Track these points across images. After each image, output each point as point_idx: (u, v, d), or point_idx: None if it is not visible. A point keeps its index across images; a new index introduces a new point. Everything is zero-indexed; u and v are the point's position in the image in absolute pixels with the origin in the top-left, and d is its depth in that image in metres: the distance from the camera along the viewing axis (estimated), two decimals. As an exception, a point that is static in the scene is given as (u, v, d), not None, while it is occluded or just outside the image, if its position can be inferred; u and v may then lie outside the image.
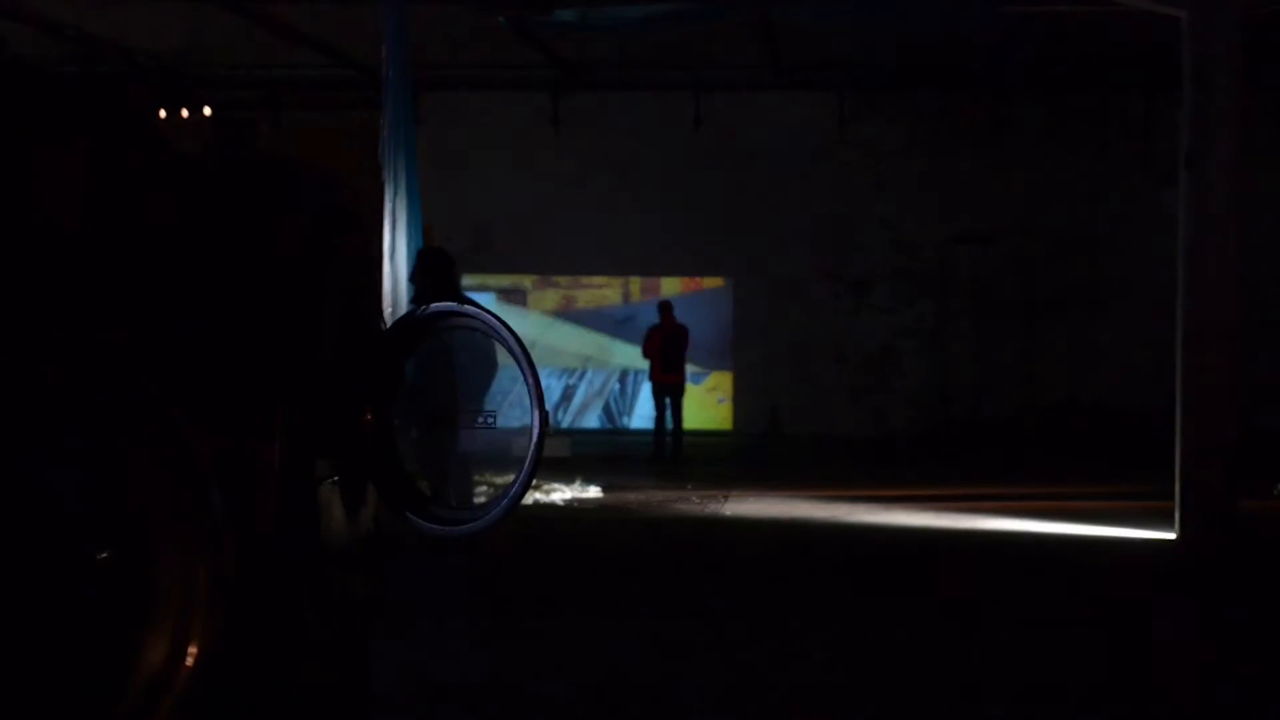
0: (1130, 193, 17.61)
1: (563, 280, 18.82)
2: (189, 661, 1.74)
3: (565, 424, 18.28)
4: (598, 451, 15.88)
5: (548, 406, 2.76)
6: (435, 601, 7.94)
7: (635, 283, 18.64)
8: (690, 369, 16.34)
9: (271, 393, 2.23)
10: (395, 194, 11.51)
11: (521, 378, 2.69)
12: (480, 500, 11.52)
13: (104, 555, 1.76)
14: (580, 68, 17.29)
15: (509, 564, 8.96)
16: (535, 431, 2.61)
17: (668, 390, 15.43)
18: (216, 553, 1.78)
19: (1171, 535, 10.01)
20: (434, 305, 2.62)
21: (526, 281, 18.84)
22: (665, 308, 15.61)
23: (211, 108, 17.95)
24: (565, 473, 13.46)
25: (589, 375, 18.68)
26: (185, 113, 17.65)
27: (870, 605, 8.10)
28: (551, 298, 18.91)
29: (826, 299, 18.27)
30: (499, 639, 7.11)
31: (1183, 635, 7.53)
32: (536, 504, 11.89)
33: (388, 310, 10.89)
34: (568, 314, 18.79)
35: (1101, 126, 17.80)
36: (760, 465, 15.24)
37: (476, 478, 12.95)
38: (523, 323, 17.89)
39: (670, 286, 18.11)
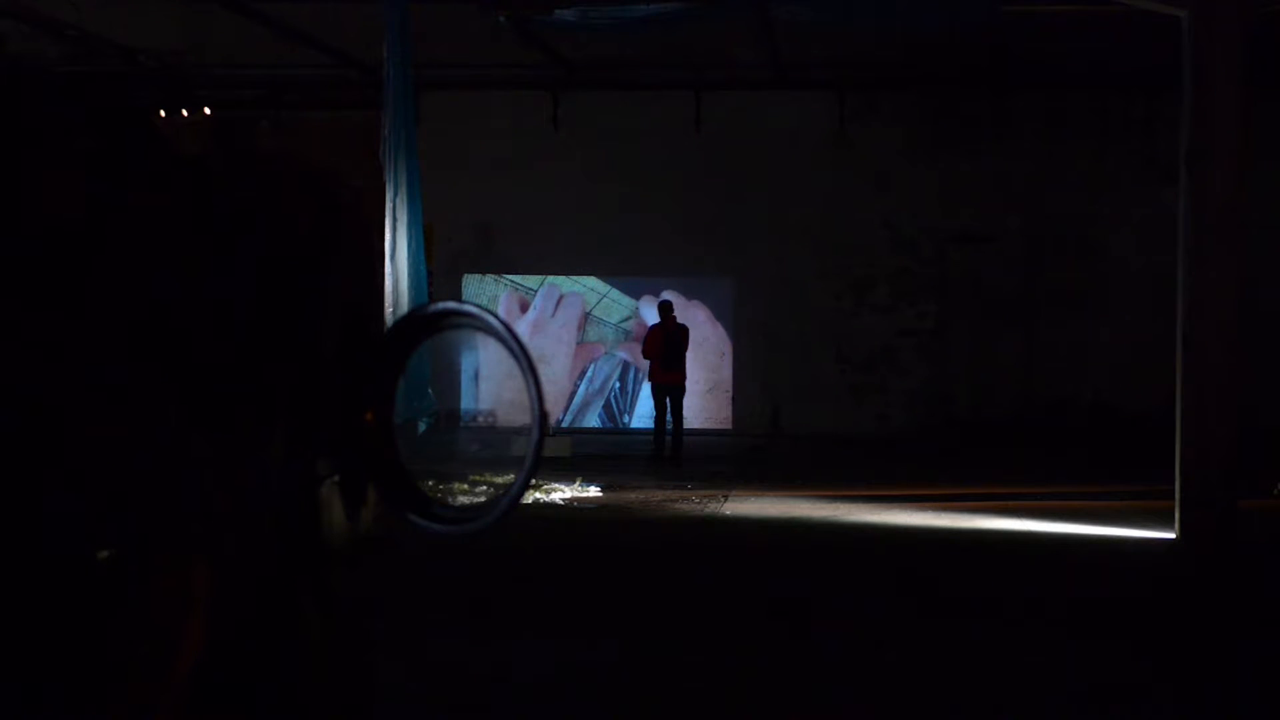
0: (1130, 193, 17.62)
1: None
2: (189, 661, 1.74)
3: (565, 423, 18.29)
4: (598, 451, 15.89)
5: (547, 406, 2.75)
6: (436, 601, 7.94)
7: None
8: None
9: (271, 392, 2.23)
10: (396, 193, 11.51)
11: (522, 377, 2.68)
12: (481, 500, 11.59)
13: (104, 555, 1.76)
14: (580, 68, 17.29)
15: (510, 563, 8.96)
16: (535, 431, 2.61)
17: (668, 390, 15.43)
18: (216, 552, 1.78)
19: (1171, 535, 10.01)
20: (434, 305, 2.62)
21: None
22: (665, 307, 15.61)
23: (211, 108, 17.98)
24: (565, 472, 13.46)
25: (590, 373, 18.69)
26: (185, 113, 17.67)
27: (869, 604, 8.10)
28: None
29: (826, 299, 18.27)
30: (499, 639, 7.11)
31: (1182, 635, 7.53)
32: (537, 503, 11.89)
33: (388, 310, 10.90)
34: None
35: (1101, 126, 17.80)
36: (760, 465, 15.23)
37: (476, 477, 13.00)
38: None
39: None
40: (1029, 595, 8.49)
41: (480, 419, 18.37)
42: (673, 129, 18.13)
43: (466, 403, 18.48)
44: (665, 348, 15.34)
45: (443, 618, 7.56)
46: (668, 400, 15.40)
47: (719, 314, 18.43)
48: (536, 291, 18.72)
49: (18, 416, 1.72)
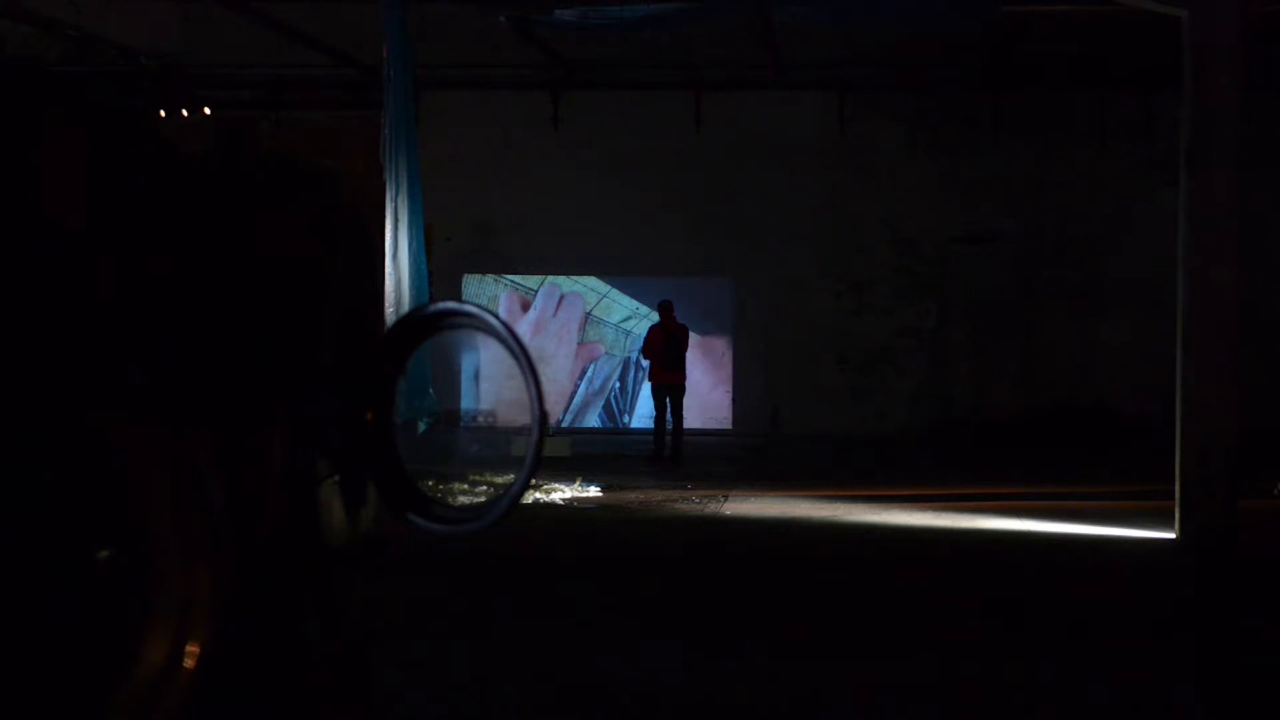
0: (1130, 193, 17.61)
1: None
2: (189, 662, 1.74)
3: (565, 423, 18.29)
4: (598, 451, 15.89)
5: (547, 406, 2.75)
6: (435, 601, 7.94)
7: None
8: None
9: (271, 392, 2.23)
10: (397, 193, 11.53)
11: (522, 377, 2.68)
12: (481, 500, 11.58)
13: (104, 555, 1.76)
14: (580, 68, 17.29)
15: (509, 564, 8.96)
16: (535, 431, 2.61)
17: (668, 390, 15.43)
18: (216, 553, 1.78)
19: (1171, 535, 10.01)
20: (435, 305, 2.62)
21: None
22: (666, 307, 15.60)
23: (211, 108, 17.99)
24: (565, 472, 13.46)
25: (590, 373, 18.69)
26: (185, 113, 17.68)
27: (869, 605, 8.10)
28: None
29: (827, 299, 18.27)
30: (499, 639, 7.11)
31: (1183, 635, 7.53)
32: (537, 503, 11.89)
33: (389, 310, 10.90)
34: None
35: (1101, 126, 17.80)
36: (760, 465, 15.23)
37: (476, 477, 13.01)
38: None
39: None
40: (1029, 595, 8.49)
41: (480, 419, 18.37)
42: (673, 129, 18.13)
43: (466, 403, 18.48)
44: (665, 347, 15.34)
45: (442, 618, 7.56)
46: (667, 400, 15.40)
47: (720, 314, 18.41)
48: (536, 291, 18.72)
49: (17, 416, 1.72)
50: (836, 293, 18.29)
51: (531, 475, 2.61)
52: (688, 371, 15.81)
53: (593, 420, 18.60)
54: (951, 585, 8.78)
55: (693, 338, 16.38)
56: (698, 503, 12.17)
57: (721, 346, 18.48)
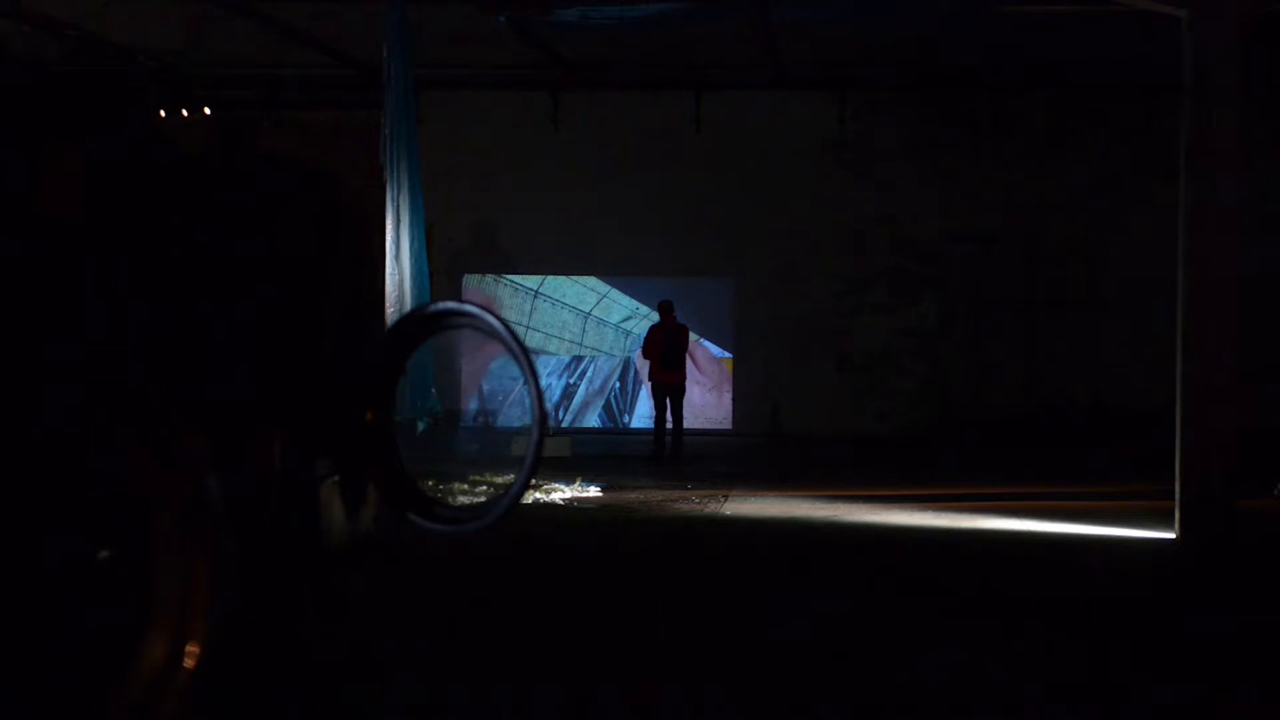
0: (1130, 193, 17.62)
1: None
2: (189, 661, 1.74)
3: (565, 423, 18.29)
4: (598, 451, 15.89)
5: (548, 405, 2.76)
6: (435, 601, 7.94)
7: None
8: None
9: (271, 392, 2.23)
10: (398, 193, 11.53)
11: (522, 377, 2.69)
12: (481, 500, 11.55)
13: (104, 555, 1.76)
14: (580, 68, 17.30)
15: (508, 564, 8.96)
16: (535, 431, 2.61)
17: (668, 390, 15.44)
18: (216, 552, 1.78)
19: (1171, 535, 10.01)
20: (434, 305, 2.62)
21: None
22: (666, 307, 15.61)
23: (211, 108, 17.99)
24: (565, 472, 13.46)
25: (590, 373, 18.69)
26: (185, 113, 17.68)
27: (870, 605, 8.10)
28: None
29: (827, 299, 18.28)
30: (498, 639, 7.11)
31: (1182, 635, 7.53)
32: (536, 503, 11.89)
33: (390, 309, 10.91)
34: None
35: (1101, 126, 17.80)
36: (760, 465, 15.23)
37: (476, 477, 13.01)
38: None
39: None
40: (1029, 595, 8.49)
41: (480, 419, 18.37)
42: (673, 129, 18.14)
43: (466, 403, 18.48)
44: (665, 348, 15.35)
45: (442, 618, 7.56)
46: (667, 400, 15.41)
47: (719, 314, 18.42)
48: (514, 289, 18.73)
49: (18, 416, 1.72)
50: (836, 293, 18.30)
51: (531, 475, 2.61)
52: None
53: (593, 420, 18.60)
54: (951, 585, 8.77)
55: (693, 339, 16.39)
56: (698, 503, 12.17)
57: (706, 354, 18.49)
